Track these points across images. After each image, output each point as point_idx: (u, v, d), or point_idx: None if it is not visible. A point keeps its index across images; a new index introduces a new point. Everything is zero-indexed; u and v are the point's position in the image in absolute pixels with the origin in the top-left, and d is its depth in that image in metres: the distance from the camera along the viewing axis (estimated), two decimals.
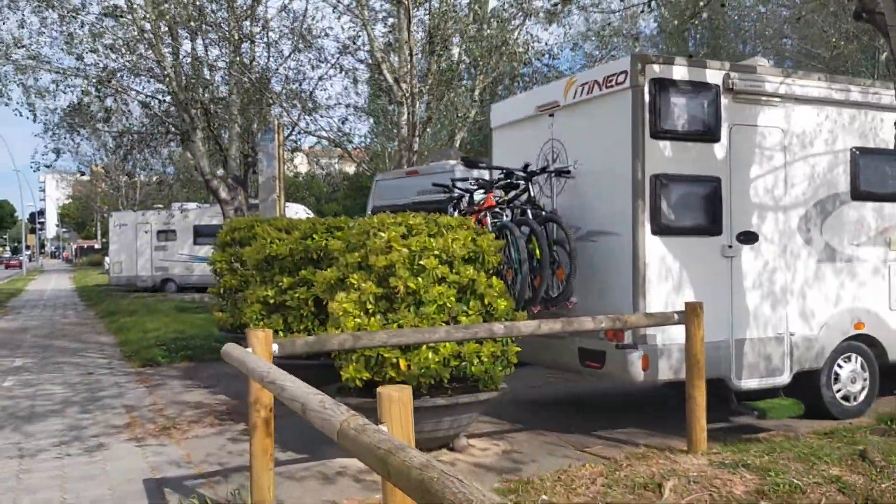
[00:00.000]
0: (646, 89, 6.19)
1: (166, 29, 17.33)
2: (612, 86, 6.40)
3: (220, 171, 18.87)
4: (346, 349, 5.18)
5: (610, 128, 6.48)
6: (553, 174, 7.02)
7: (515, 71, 15.72)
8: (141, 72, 18.18)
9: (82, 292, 31.33)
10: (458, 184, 8.24)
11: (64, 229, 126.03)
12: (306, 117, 17.06)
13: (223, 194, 18.66)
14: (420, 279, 5.64)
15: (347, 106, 18.44)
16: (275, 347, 4.75)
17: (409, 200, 10.92)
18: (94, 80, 16.91)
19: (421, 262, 5.67)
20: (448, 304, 5.70)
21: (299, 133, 17.17)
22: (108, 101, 18.57)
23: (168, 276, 28.19)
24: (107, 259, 48.74)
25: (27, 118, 18.29)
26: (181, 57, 17.96)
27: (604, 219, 6.58)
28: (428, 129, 15.77)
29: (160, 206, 31.91)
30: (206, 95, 18.27)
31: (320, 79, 18.62)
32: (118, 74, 18.15)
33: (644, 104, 6.18)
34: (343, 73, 17.87)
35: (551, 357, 6.85)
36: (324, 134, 17.26)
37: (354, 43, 16.70)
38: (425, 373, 5.61)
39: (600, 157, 6.66)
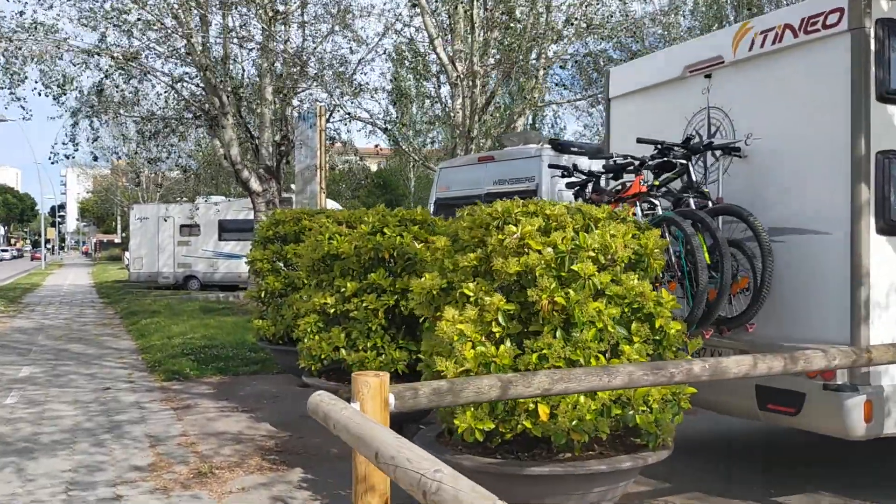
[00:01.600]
0: (871, 33, 4.49)
1: (195, 2, 15.77)
2: (815, 30, 4.70)
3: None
4: (491, 399, 3.51)
5: (811, 89, 4.78)
6: (718, 152, 5.31)
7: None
8: (167, 52, 16.66)
9: (101, 289, 29.96)
10: (578, 166, 6.56)
11: (84, 223, 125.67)
12: (351, 100, 15.39)
13: (254, 185, 17.13)
14: (571, 291, 3.97)
15: (390, 91, 16.79)
16: (391, 399, 3.09)
17: (481, 191, 9.29)
18: (118, 58, 15.37)
19: (573, 268, 4.00)
20: (609, 328, 4.03)
21: (343, 118, 15.49)
22: (133, 83, 17.06)
23: (191, 272, 26.71)
24: (126, 254, 47.50)
25: (51, 105, 16.79)
26: (210, 34, 16.42)
27: (796, 212, 4.88)
28: (487, 113, 14.13)
29: (183, 198, 30.50)
30: (237, 77, 16.72)
31: (360, 62, 17.01)
32: (143, 54, 16.63)
33: (869, 54, 4.48)
34: (386, 54, 16.30)
35: (715, 396, 5.14)
36: (366, 119, 15.61)
37: (400, 20, 15.10)
38: (577, 426, 3.94)
39: (791, 130, 4.95)
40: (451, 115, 14.01)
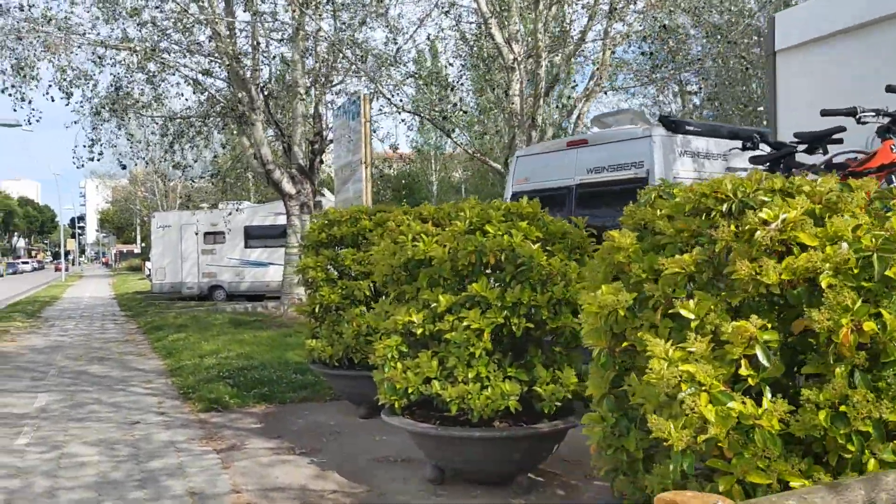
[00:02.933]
0: None
1: None
2: None
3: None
4: None
5: None
6: None
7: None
8: (189, 45, 15.34)
9: (122, 301, 28.77)
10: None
11: (103, 234, 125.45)
12: (397, 90, 13.91)
13: (287, 187, 15.79)
14: (886, 313, 2.48)
15: (435, 77, 15.29)
16: None
17: (571, 181, 7.84)
18: (139, 54, 14.06)
19: (889, 273, 2.52)
20: None
21: (384, 110, 13.97)
22: (153, 79, 15.75)
23: (216, 282, 25.43)
24: (147, 264, 46.48)
25: (68, 111, 15.47)
26: (237, 23, 15.07)
27: None
28: (551, 98, 12.66)
29: (206, 204, 29.25)
30: (268, 69, 15.40)
31: (398, 50, 15.58)
32: (163, 47, 15.32)
33: None
34: (429, 39, 14.88)
35: None
36: (409, 109, 14.13)
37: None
38: None
39: None
40: (509, 102, 12.53)
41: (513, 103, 12.19)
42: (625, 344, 3.15)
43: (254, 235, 24.81)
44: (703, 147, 7.25)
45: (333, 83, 16.61)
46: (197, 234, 25.56)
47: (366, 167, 11.62)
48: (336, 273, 7.74)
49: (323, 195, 19.11)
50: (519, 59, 12.07)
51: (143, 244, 73.35)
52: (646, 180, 7.03)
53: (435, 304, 5.24)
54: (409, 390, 5.24)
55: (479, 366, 5.10)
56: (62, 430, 7.41)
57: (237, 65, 14.35)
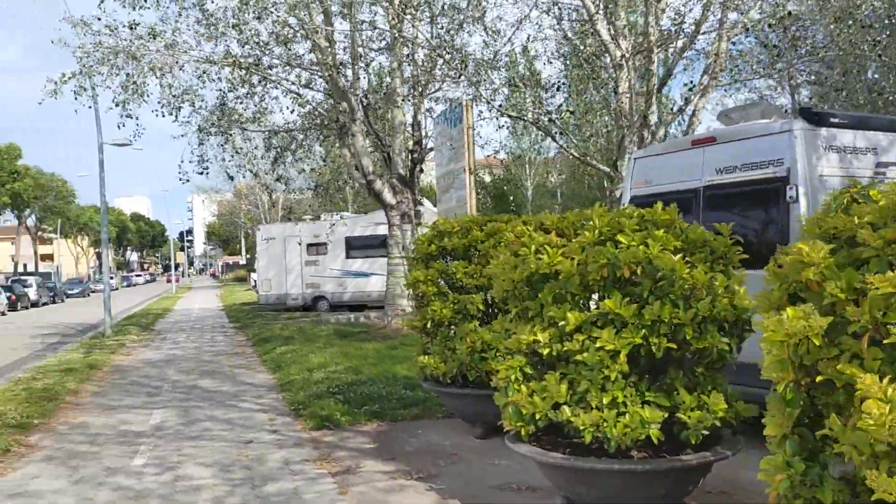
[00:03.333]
0: None
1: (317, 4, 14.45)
2: None
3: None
4: None
5: None
6: None
7: None
8: (289, 58, 15.45)
9: (230, 312, 29.58)
10: None
11: (210, 246, 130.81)
12: (501, 94, 13.51)
13: (388, 197, 15.66)
14: None
15: (536, 80, 14.82)
16: None
17: (698, 182, 7.24)
18: (241, 63, 14.23)
19: None
20: None
21: (497, 112, 13.55)
22: (256, 92, 15.96)
23: (319, 293, 25.75)
24: (253, 275, 47.92)
25: (175, 126, 15.87)
26: (336, 34, 15.07)
27: None
28: (663, 95, 12.01)
29: (308, 216, 29.75)
30: (366, 78, 15.33)
31: (496, 54, 15.20)
32: (266, 64, 15.50)
33: None
34: (528, 40, 14.45)
35: None
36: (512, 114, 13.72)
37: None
38: None
39: None
40: (617, 101, 11.91)
41: (621, 102, 11.61)
42: (819, 378, 2.64)
43: (355, 246, 24.99)
44: (849, 141, 6.52)
45: (432, 91, 16.41)
46: (300, 245, 25.98)
47: (469, 175, 11.30)
48: (447, 287, 7.40)
49: (422, 204, 18.98)
50: (627, 55, 11.49)
51: (248, 256, 75.89)
52: (785, 179, 6.38)
53: (562, 323, 4.80)
54: (537, 416, 4.82)
55: (615, 390, 4.62)
56: (176, 450, 7.36)
57: (337, 75, 14.33)
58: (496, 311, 7.30)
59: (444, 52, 13.12)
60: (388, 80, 15.80)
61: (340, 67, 14.57)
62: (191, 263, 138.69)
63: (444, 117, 12.51)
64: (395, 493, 5.72)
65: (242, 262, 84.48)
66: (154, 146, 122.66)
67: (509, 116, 13.67)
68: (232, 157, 18.22)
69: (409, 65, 15.98)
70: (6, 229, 78.34)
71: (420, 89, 16.41)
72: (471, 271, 7.20)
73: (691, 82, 12.14)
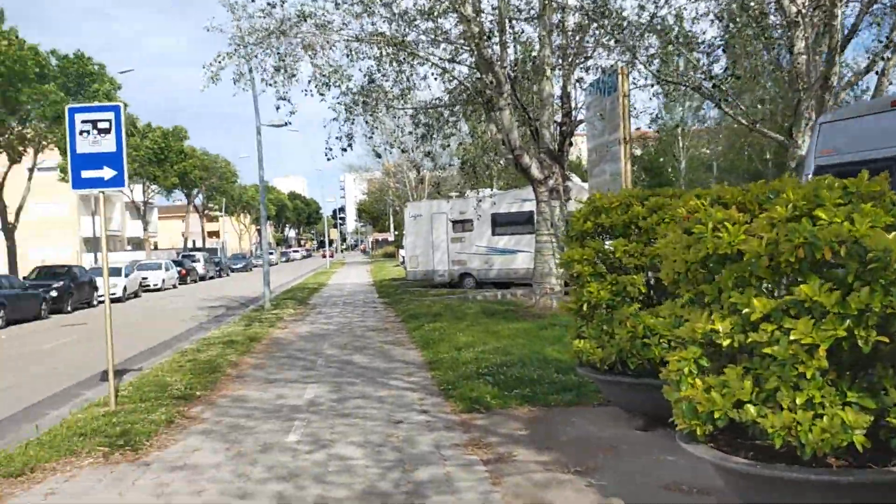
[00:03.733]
0: None
1: None
2: None
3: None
4: None
5: None
6: None
7: None
8: (438, 33, 15.23)
9: (379, 287, 30.26)
10: None
11: (361, 223, 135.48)
12: (659, 58, 12.63)
13: (536, 173, 15.18)
14: None
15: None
16: None
17: None
18: (390, 40, 14.18)
19: None
20: None
21: (655, 79, 12.71)
22: (404, 70, 15.90)
23: (465, 270, 25.73)
24: (401, 252, 49.01)
25: (325, 106, 16.13)
26: (482, 5, 14.67)
27: None
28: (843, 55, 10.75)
29: (454, 193, 29.81)
30: (513, 50, 14.86)
31: (652, 17, 14.23)
32: (410, 37, 15.37)
33: None
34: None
35: None
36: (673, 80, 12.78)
37: None
38: None
39: None
40: (793, 62, 10.75)
41: (798, 63, 10.47)
42: None
43: (501, 223, 24.71)
44: None
45: (581, 60, 15.70)
46: (446, 222, 26.06)
47: (624, 145, 10.63)
48: (604, 267, 6.89)
49: (570, 179, 18.34)
50: (804, 11, 10.33)
51: (396, 232, 77.92)
52: None
53: (746, 310, 4.21)
54: (716, 415, 4.27)
55: (811, 389, 3.99)
56: (329, 428, 7.36)
57: (483, 47, 13.97)
58: (659, 293, 6.74)
59: (598, 17, 12.38)
60: (537, 50, 15.25)
61: (487, 39, 14.18)
62: (343, 240, 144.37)
63: (597, 86, 11.86)
64: (551, 488, 5.35)
65: (391, 238, 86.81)
66: (309, 128, 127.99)
67: (668, 83, 12.74)
68: (373, 134, 18.32)
69: (558, 34, 15.35)
70: (177, 208, 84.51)
71: (570, 59, 15.75)
72: (631, 250, 6.66)
73: (880, 39, 10.75)
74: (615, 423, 6.99)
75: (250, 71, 20.19)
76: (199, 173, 59.82)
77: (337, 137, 15.88)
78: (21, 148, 31.01)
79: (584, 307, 6.78)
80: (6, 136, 29.75)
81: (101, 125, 8.99)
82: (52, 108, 28.03)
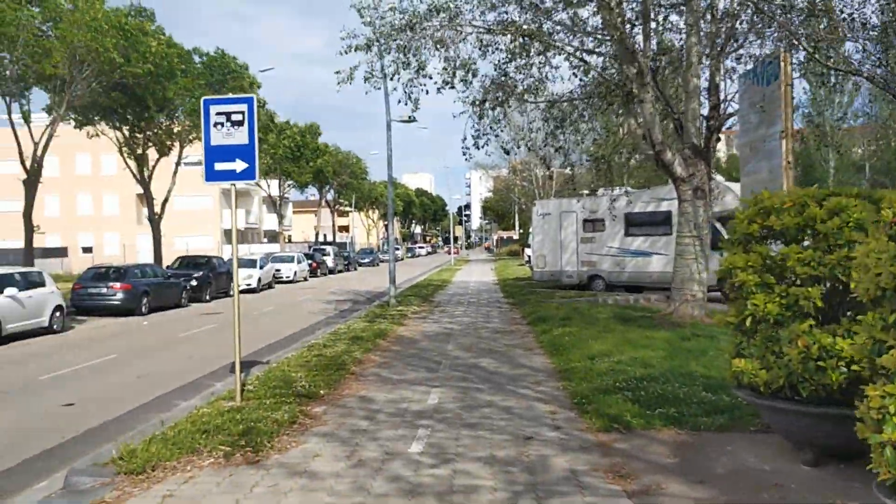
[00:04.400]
0: None
1: None
2: None
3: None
4: None
5: None
6: None
7: None
8: (575, 22, 14.47)
9: (505, 286, 29.71)
10: None
11: (486, 221, 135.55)
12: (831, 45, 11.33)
13: (679, 170, 14.12)
14: None
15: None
16: None
17: None
18: (524, 29, 13.57)
19: None
20: None
21: (824, 67, 11.40)
22: (536, 62, 15.24)
23: (595, 272, 24.71)
24: (526, 250, 48.29)
25: (457, 98, 15.72)
26: None
27: None
28: None
29: (585, 191, 28.80)
30: (656, 40, 13.87)
31: None
32: (547, 31, 14.67)
33: None
34: None
35: None
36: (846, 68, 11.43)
37: None
38: None
39: None
40: None
41: None
42: None
43: (635, 223, 23.53)
44: None
45: (731, 48, 14.50)
46: (576, 221, 25.13)
47: (785, 140, 9.54)
48: (772, 276, 5.99)
49: (713, 178, 17.07)
50: None
51: (521, 231, 77.17)
52: None
53: None
54: None
55: None
56: (454, 439, 6.86)
57: (625, 36, 13.10)
58: (838, 309, 5.79)
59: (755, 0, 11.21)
60: (681, 39, 14.20)
61: (630, 27, 13.30)
62: (468, 237, 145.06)
63: (754, 74, 10.76)
64: None
65: (516, 236, 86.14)
66: (437, 125, 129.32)
67: (837, 71, 11.40)
68: (503, 130, 17.73)
69: (707, 21, 14.23)
70: (310, 203, 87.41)
71: (719, 47, 14.58)
72: (806, 258, 5.75)
73: None
74: (778, 455, 6.09)
75: (382, 69, 20.18)
76: (332, 169, 61.45)
77: (473, 136, 15.44)
78: (168, 142, 32.65)
79: (748, 321, 5.92)
80: (155, 131, 31.40)
81: (234, 117, 8.91)
82: (197, 104, 29.33)
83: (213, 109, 8.97)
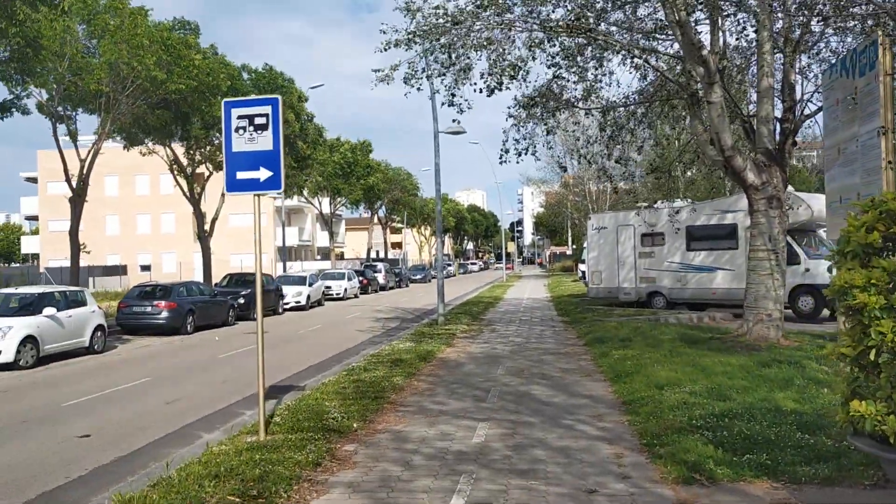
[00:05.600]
0: None
1: None
2: None
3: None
4: None
5: None
6: None
7: None
8: (633, 21, 13.36)
9: (558, 304, 28.45)
10: None
11: (538, 236, 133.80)
12: None
13: (751, 177, 12.85)
14: None
15: None
16: None
17: None
18: (578, 33, 12.52)
19: None
20: None
21: None
22: (591, 65, 14.14)
23: (655, 288, 23.29)
24: (581, 266, 46.78)
25: (505, 110, 14.72)
26: None
27: None
28: None
29: (643, 203, 27.38)
30: (722, 36, 12.66)
31: None
32: (603, 32, 13.57)
33: None
34: None
35: None
36: None
37: None
38: None
39: None
40: None
41: None
42: None
43: (697, 237, 22.08)
44: None
45: (807, 44, 13.19)
46: (634, 235, 23.77)
47: (885, 138, 8.26)
48: None
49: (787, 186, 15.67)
50: None
51: (574, 246, 75.50)
52: None
53: None
54: None
55: None
56: (502, 491, 5.79)
57: (692, 32, 11.92)
58: None
59: None
60: (753, 34, 12.96)
61: (696, 21, 12.15)
62: (520, 253, 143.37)
63: (843, 66, 9.49)
64: None
65: (569, 252, 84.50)
66: (489, 141, 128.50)
67: None
68: (552, 144, 16.61)
69: (780, 13, 12.95)
70: (363, 220, 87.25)
71: (793, 43, 13.28)
72: None
73: None
74: None
75: (429, 78, 19.30)
76: (383, 185, 60.98)
77: (515, 139, 14.37)
78: (220, 159, 32.41)
79: (871, 354, 4.73)
80: (205, 148, 31.14)
81: (257, 121, 8.08)
82: None
83: (235, 112, 8.15)
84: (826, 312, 19.75)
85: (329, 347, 17.51)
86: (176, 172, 31.29)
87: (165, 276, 52.78)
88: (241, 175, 8.10)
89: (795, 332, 13.95)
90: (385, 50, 12.49)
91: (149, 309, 22.04)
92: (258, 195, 8.18)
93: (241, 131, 8.12)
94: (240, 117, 8.12)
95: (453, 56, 12.54)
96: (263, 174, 8.03)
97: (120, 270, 60.23)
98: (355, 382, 10.83)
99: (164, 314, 21.88)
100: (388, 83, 12.63)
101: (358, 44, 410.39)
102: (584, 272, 40.85)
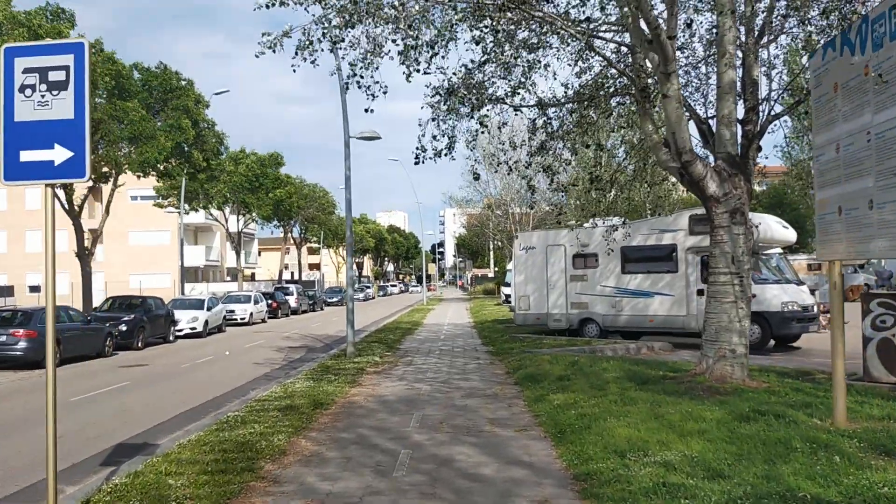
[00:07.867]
0: None
1: None
2: None
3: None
4: None
5: None
6: None
7: None
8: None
9: (482, 330, 26.20)
10: None
11: (459, 258, 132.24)
12: None
13: (711, 186, 10.90)
14: None
15: None
16: None
17: None
18: (509, 8, 10.32)
19: None
20: None
21: None
22: (522, 54, 11.97)
23: (588, 314, 21.26)
24: (504, 289, 44.81)
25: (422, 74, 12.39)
26: None
27: None
28: None
29: (573, 221, 25.47)
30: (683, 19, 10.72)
31: None
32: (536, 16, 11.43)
33: None
34: None
35: None
36: None
37: None
38: None
39: None
40: None
41: None
42: None
43: (632, 258, 20.20)
44: None
45: (775, 33, 11.43)
46: (564, 257, 21.72)
47: None
48: None
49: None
50: None
51: (496, 268, 73.90)
52: None
53: None
54: None
55: None
56: None
57: (647, 8, 9.91)
58: None
59: None
60: (715, 18, 11.08)
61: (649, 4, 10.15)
62: (441, 275, 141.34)
63: (844, 41, 7.59)
64: None
65: (491, 274, 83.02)
66: (410, 161, 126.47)
67: None
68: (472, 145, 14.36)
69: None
70: (277, 240, 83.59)
71: (755, 33, 11.50)
72: None
73: None
74: None
75: (339, 69, 16.83)
76: (297, 201, 57.77)
77: (433, 136, 11.97)
78: (105, 169, 28.96)
79: None
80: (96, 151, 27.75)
81: (53, 76, 5.47)
82: (131, 129, 25.80)
83: (20, 64, 5.51)
84: (772, 343, 18.15)
85: (213, 386, 14.71)
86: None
87: (59, 299, 48.18)
88: (26, 156, 5.47)
89: (756, 369, 12.02)
90: (269, 7, 9.97)
91: (4, 338, 18.65)
92: (51, 185, 5.54)
93: (28, 91, 5.49)
94: (27, 70, 5.50)
95: (355, 23, 10.10)
96: (60, 154, 5.43)
97: (5, 292, 55.10)
98: (223, 444, 8.22)
99: (22, 344, 18.58)
100: (275, 50, 10.06)
101: (281, 62, 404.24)
102: (508, 295, 38.77)
